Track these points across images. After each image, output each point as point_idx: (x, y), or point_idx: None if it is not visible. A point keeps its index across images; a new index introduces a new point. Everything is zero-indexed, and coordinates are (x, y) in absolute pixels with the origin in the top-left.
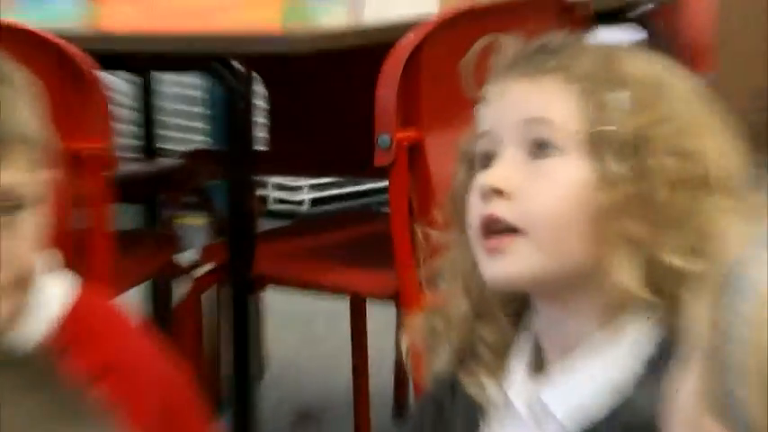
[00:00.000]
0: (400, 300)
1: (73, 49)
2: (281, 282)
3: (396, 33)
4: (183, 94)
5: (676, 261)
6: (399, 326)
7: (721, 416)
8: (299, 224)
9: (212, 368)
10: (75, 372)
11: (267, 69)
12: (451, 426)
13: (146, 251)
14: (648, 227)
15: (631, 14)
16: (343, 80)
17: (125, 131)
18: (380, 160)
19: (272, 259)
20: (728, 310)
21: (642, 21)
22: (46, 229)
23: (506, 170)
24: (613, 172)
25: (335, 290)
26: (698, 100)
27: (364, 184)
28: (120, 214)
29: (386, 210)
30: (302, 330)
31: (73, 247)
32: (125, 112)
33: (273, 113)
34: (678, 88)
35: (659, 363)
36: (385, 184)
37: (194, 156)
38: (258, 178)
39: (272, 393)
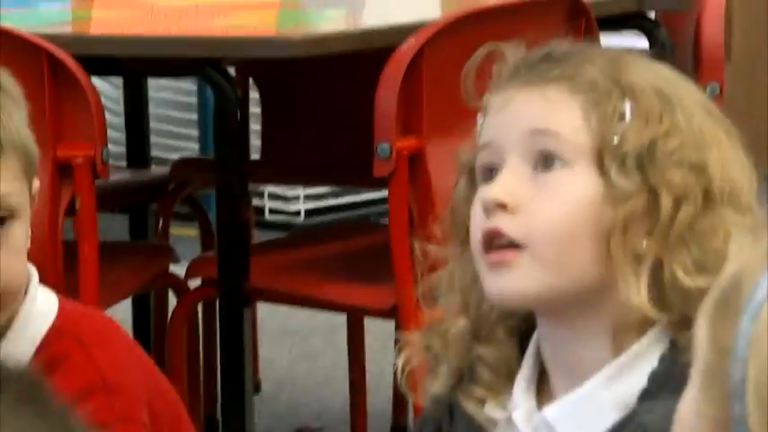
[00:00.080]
0: (399, 315)
1: (63, 55)
2: (276, 296)
3: (395, 38)
4: (175, 100)
5: (683, 277)
6: (398, 341)
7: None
8: (295, 236)
9: (207, 383)
10: (64, 387)
11: (262, 75)
12: None
13: (138, 262)
14: (655, 242)
15: (636, 22)
16: (341, 86)
17: (116, 139)
18: (380, 170)
19: (267, 272)
20: (730, 328)
21: (647, 29)
22: (34, 240)
23: (510, 183)
24: (620, 186)
25: (332, 305)
26: (704, 111)
27: (362, 194)
28: (110, 224)
29: (385, 221)
30: (298, 345)
31: (62, 258)
32: (116, 119)
33: (268, 120)
34: (684, 99)
35: (664, 377)
36: (384, 193)
37: (186, 164)
38: (252, 188)
39: (268, 409)
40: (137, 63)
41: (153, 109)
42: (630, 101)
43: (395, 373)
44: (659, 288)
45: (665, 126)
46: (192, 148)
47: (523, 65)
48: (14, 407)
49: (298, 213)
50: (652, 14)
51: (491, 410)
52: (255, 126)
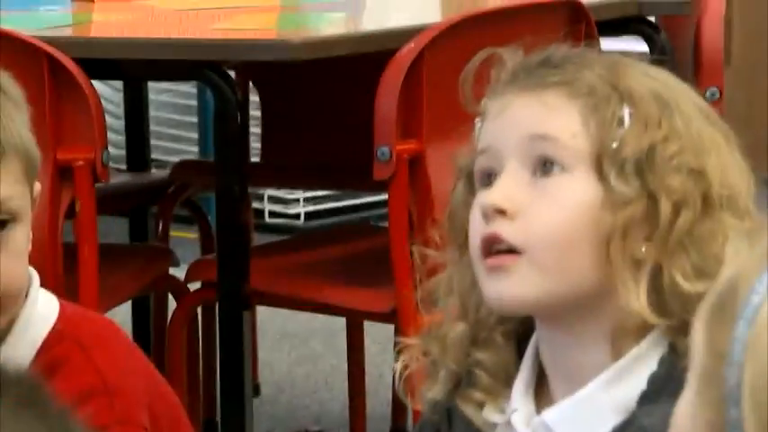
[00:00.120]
0: (399, 318)
1: (63, 58)
2: (276, 299)
3: (395, 41)
4: (175, 103)
5: (683, 282)
6: (398, 345)
7: None
8: (295, 239)
9: (206, 386)
10: (64, 390)
11: (263, 78)
12: None
13: (138, 265)
14: (655, 247)
15: (637, 27)
16: (341, 89)
17: (116, 142)
18: (380, 173)
19: (267, 275)
20: (726, 333)
21: (647, 33)
22: (34, 242)
23: (509, 189)
24: (619, 192)
25: (332, 308)
26: (702, 116)
27: (362, 197)
28: (110, 227)
29: (384, 224)
30: (298, 348)
31: (62, 261)
32: (116, 122)
33: (268, 123)
34: (682, 104)
35: (664, 380)
36: (383, 197)
37: (186, 167)
38: (252, 190)
39: (267, 412)
40: (137, 66)
41: (153, 112)
42: (629, 106)
43: (394, 377)
44: (658, 293)
45: (663, 131)
46: (191, 151)
47: (522, 70)
48: (14, 410)
49: (297, 216)
50: (652, 19)
51: (489, 414)
52: (255, 129)
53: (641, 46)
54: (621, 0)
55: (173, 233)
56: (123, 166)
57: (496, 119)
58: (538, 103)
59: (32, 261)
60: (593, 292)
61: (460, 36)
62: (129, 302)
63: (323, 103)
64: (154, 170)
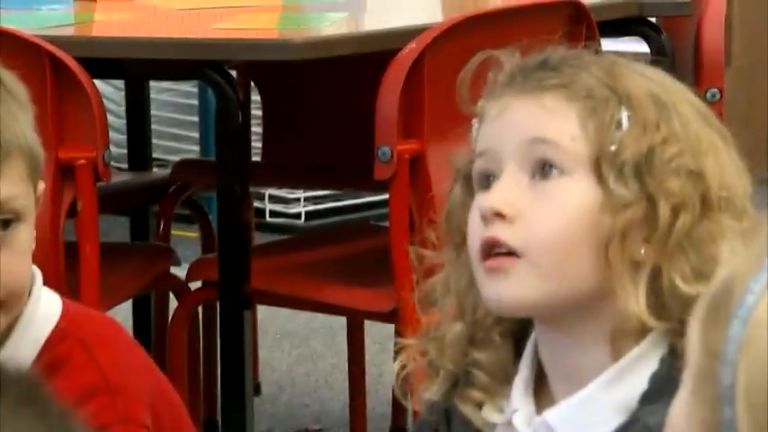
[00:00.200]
0: (399, 318)
1: (65, 57)
2: (276, 298)
3: (396, 41)
4: (177, 102)
5: (682, 284)
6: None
7: None
8: (295, 238)
9: (207, 385)
10: (66, 388)
11: (264, 78)
12: None
13: (139, 264)
14: (654, 250)
15: (637, 28)
16: (342, 89)
17: (117, 141)
18: (381, 173)
19: (267, 274)
20: (721, 332)
21: (648, 34)
22: (35, 241)
23: (509, 192)
24: (618, 195)
25: (332, 307)
26: (699, 117)
27: (363, 196)
28: (112, 226)
29: (385, 224)
30: (298, 347)
31: (63, 259)
32: (117, 122)
33: (270, 123)
34: (680, 105)
35: (665, 380)
36: (384, 196)
37: (187, 166)
38: (253, 190)
39: (267, 412)
40: (139, 65)
41: (154, 111)
42: (627, 109)
43: (397, 376)
44: (657, 296)
45: (662, 134)
46: (193, 151)
47: (519, 72)
48: (14, 409)
49: (298, 216)
50: (653, 20)
51: (488, 414)
52: (256, 129)
53: (642, 46)
54: (622, 1)
55: (174, 232)
56: (125, 165)
57: (494, 121)
58: (536, 106)
59: (34, 259)
60: (592, 294)
61: (462, 36)
62: (130, 301)
63: (324, 102)
64: (155, 169)
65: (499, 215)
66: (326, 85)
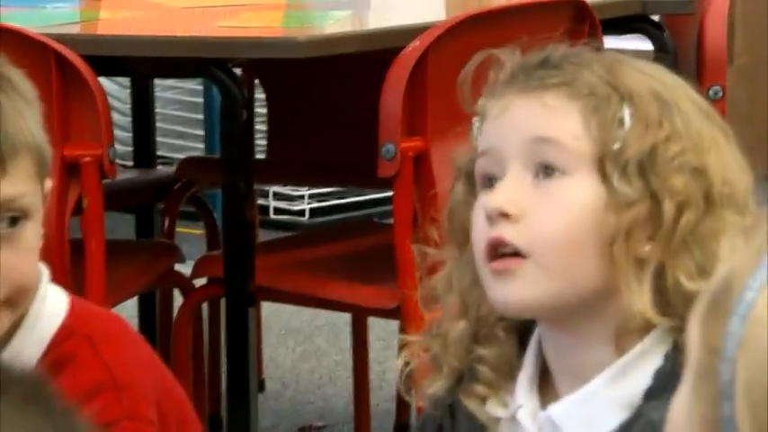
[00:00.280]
0: (403, 314)
1: (71, 54)
2: (281, 295)
3: (400, 39)
4: (181, 100)
5: (686, 281)
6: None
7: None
8: (299, 235)
9: (211, 382)
10: (73, 385)
11: (268, 76)
12: None
13: (144, 261)
14: (658, 247)
15: (640, 25)
16: (346, 87)
17: (122, 139)
18: (385, 171)
19: (272, 271)
20: (720, 329)
21: (651, 32)
22: (42, 238)
23: (512, 192)
24: (622, 193)
25: (336, 304)
26: (701, 113)
27: (366, 194)
28: (117, 223)
29: (389, 221)
30: (302, 344)
31: (69, 256)
32: (122, 119)
33: (274, 120)
34: (681, 102)
35: (669, 375)
36: (388, 193)
37: (192, 164)
38: (258, 187)
39: (271, 408)
40: (144, 63)
41: (159, 109)
42: (629, 106)
43: (399, 372)
44: (662, 293)
45: (665, 131)
46: (197, 148)
47: (521, 70)
48: (20, 407)
49: (302, 213)
50: (656, 18)
51: (492, 408)
52: (261, 126)
53: (645, 44)
54: None
55: (178, 229)
56: (130, 163)
57: (496, 120)
58: (538, 105)
59: (40, 257)
60: (596, 293)
61: (465, 34)
62: (136, 298)
63: (328, 100)
64: (160, 167)
65: (504, 215)
66: (330, 83)
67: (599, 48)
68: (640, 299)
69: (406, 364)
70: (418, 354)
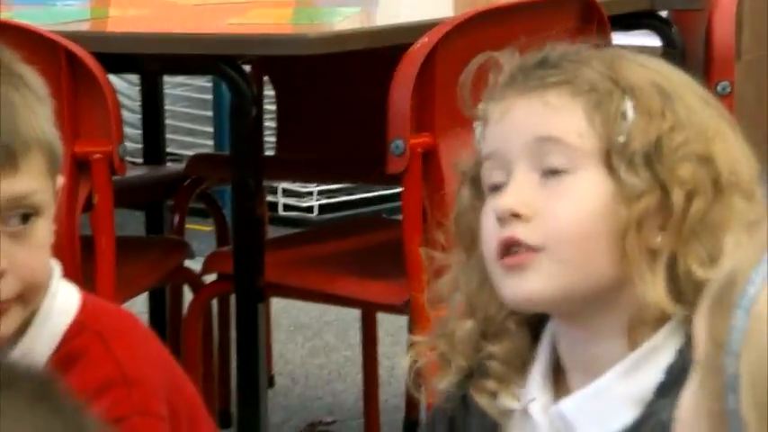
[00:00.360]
0: (412, 310)
1: (81, 52)
2: (290, 291)
3: (409, 36)
4: (191, 97)
5: (698, 269)
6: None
7: (719, 425)
8: (309, 232)
9: (221, 377)
10: (84, 381)
11: (278, 72)
12: None
13: (154, 257)
14: (669, 237)
15: (649, 21)
16: (355, 83)
17: (132, 136)
18: (394, 167)
19: (281, 268)
20: (725, 323)
21: (659, 28)
22: (53, 235)
23: (522, 192)
24: (630, 185)
25: (345, 300)
26: (702, 103)
27: (375, 190)
28: (127, 220)
29: (398, 217)
30: (311, 340)
31: (79, 253)
32: (132, 117)
33: (283, 117)
34: (683, 93)
35: (680, 370)
36: (397, 190)
37: (202, 160)
38: (267, 184)
39: (281, 404)
40: (153, 60)
41: (169, 106)
42: (632, 99)
43: (407, 370)
44: (675, 282)
45: (668, 122)
46: (207, 145)
47: (519, 72)
48: (30, 405)
49: (311, 209)
50: (664, 14)
51: (505, 401)
52: (270, 123)
53: (653, 40)
54: None
55: (188, 226)
56: (140, 160)
57: (499, 123)
58: (540, 104)
59: (51, 253)
60: (610, 285)
61: (473, 31)
62: (146, 294)
63: (337, 97)
64: (169, 164)
65: (515, 215)
66: (339, 80)
67: (598, 45)
68: (654, 289)
69: (414, 362)
70: (426, 353)
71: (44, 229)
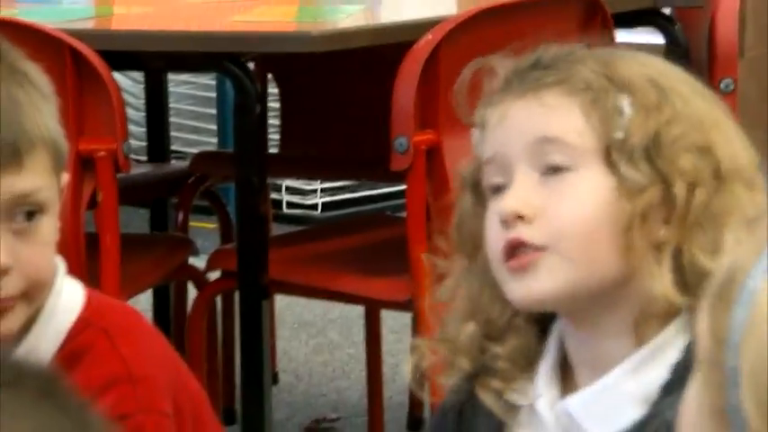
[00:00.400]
0: (416, 307)
1: (85, 49)
2: (294, 288)
3: (412, 33)
4: (196, 95)
5: (704, 259)
6: (415, 333)
7: (721, 422)
8: (312, 229)
9: (226, 375)
10: (89, 378)
11: (281, 70)
12: None
13: (159, 255)
14: (673, 229)
15: (652, 19)
16: (359, 81)
17: (136, 133)
18: (397, 164)
19: (285, 265)
20: (725, 318)
21: (663, 25)
22: (58, 232)
23: (524, 193)
24: (632, 180)
25: (349, 297)
26: (697, 95)
27: (379, 187)
28: (131, 217)
29: (401, 214)
30: (315, 337)
31: (84, 250)
32: (136, 114)
33: (287, 115)
34: (678, 86)
35: (685, 368)
36: (401, 187)
37: (206, 158)
38: (270, 181)
39: (285, 401)
40: (157, 58)
41: (173, 104)
42: (627, 95)
43: (411, 371)
44: (681, 273)
45: (665, 115)
46: (211, 143)
47: (515, 75)
48: (35, 402)
49: (315, 207)
50: (667, 11)
51: (512, 396)
52: (274, 121)
53: (656, 38)
54: None
55: (192, 223)
56: (144, 158)
57: (497, 127)
58: (537, 105)
59: (55, 251)
60: (616, 281)
61: (477, 28)
62: (150, 291)
63: (340, 94)
64: (174, 161)
65: (519, 217)
66: (343, 77)
67: (590, 45)
68: (661, 281)
69: (416, 367)
70: (428, 356)
71: (49, 227)
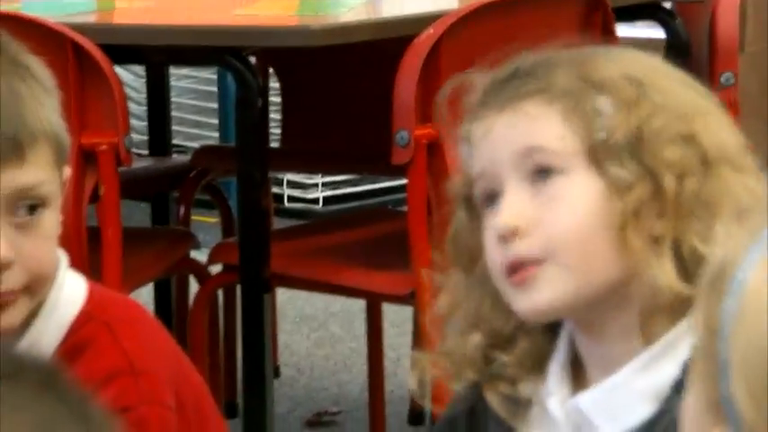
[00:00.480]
0: (417, 301)
1: (87, 43)
2: (295, 282)
3: (414, 27)
4: (197, 89)
5: (701, 245)
6: (416, 326)
7: (718, 414)
8: (314, 223)
9: (227, 368)
10: (91, 371)
11: (283, 64)
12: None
13: (160, 248)
14: (668, 221)
15: (653, 13)
16: (360, 75)
17: (138, 127)
18: (399, 158)
19: (286, 259)
20: (717, 310)
21: (663, 19)
22: (60, 226)
23: (517, 206)
24: (620, 178)
25: (351, 291)
26: (678, 83)
27: (380, 181)
28: (133, 211)
29: (403, 208)
30: (317, 331)
31: (86, 244)
32: (138, 108)
33: (288, 109)
34: (656, 78)
35: None
36: (402, 181)
37: (207, 152)
38: (272, 175)
39: (286, 394)
40: (159, 52)
41: (174, 98)
42: (605, 95)
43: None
44: (681, 263)
45: (645, 109)
46: (212, 137)
47: (493, 88)
48: (36, 394)
49: (316, 201)
50: (668, 5)
51: (525, 390)
52: (275, 115)
53: (657, 32)
54: None
55: (194, 218)
56: (145, 152)
57: (482, 141)
58: (519, 117)
59: (57, 244)
60: (619, 281)
61: (478, 22)
62: (152, 285)
63: (342, 88)
64: (175, 155)
65: (515, 231)
66: (344, 71)
67: (567, 45)
68: (664, 273)
69: (420, 381)
70: (431, 369)
71: (51, 220)
